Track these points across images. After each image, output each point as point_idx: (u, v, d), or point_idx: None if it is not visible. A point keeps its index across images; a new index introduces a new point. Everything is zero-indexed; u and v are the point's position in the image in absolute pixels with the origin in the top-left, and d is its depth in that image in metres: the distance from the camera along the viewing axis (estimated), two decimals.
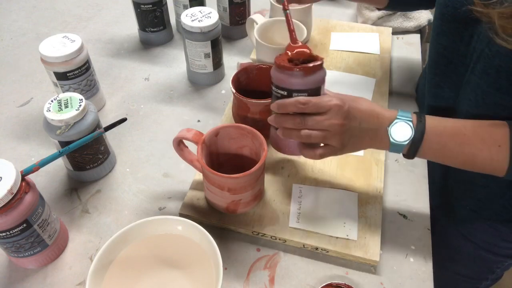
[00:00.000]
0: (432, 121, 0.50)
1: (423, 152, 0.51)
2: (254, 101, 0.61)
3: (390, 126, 0.50)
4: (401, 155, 0.53)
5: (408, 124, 0.50)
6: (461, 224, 0.69)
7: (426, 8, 0.78)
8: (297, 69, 0.49)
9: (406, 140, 0.50)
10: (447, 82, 0.60)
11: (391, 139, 0.50)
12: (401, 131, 0.50)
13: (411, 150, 0.51)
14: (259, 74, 0.67)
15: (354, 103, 0.51)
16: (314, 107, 0.49)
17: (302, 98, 0.49)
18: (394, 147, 0.51)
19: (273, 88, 0.53)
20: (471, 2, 0.48)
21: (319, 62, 0.50)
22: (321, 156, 0.52)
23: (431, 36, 0.63)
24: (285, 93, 0.51)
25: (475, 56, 0.53)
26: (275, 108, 0.51)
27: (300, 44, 0.52)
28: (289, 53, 0.51)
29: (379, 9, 0.79)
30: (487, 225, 0.65)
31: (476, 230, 0.68)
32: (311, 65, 0.50)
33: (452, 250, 0.73)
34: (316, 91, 0.52)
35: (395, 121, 0.50)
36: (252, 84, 0.68)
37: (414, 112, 0.52)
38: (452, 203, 0.68)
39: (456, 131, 0.50)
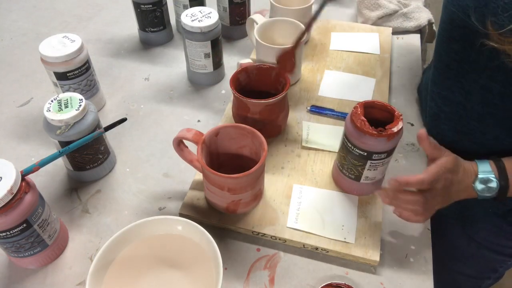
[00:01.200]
0: (508, 165, 0.53)
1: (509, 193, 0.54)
2: (254, 101, 0.61)
3: (474, 183, 0.54)
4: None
5: (491, 178, 0.53)
6: (464, 223, 0.69)
7: None
8: (382, 136, 0.52)
9: (493, 194, 0.53)
10: (458, 86, 0.59)
11: (479, 194, 0.54)
12: (486, 185, 0.53)
13: (500, 196, 0.54)
14: (259, 74, 0.67)
15: (451, 175, 0.53)
16: (427, 182, 0.52)
17: (422, 178, 0.51)
18: (482, 198, 0.55)
19: (350, 145, 0.55)
20: (481, 13, 0.48)
21: (401, 125, 0.53)
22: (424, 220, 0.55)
23: (439, 39, 0.62)
24: (365, 154, 0.54)
25: (488, 62, 0.52)
26: (396, 185, 0.52)
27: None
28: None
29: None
30: (491, 225, 0.65)
31: (480, 229, 0.68)
32: (395, 130, 0.52)
33: (454, 250, 0.73)
34: (393, 149, 0.55)
35: (478, 177, 0.54)
36: (252, 84, 0.68)
37: (491, 159, 0.54)
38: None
39: None
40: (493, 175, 0.53)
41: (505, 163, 0.54)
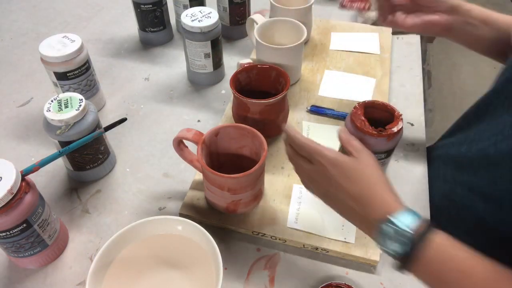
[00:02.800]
0: (439, 244, 0.39)
1: (416, 274, 0.40)
2: (254, 101, 0.61)
3: (379, 226, 0.40)
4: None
5: (400, 239, 0.39)
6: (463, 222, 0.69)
7: None
8: (382, 136, 0.52)
9: (393, 252, 0.40)
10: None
11: (378, 239, 0.41)
12: (390, 240, 0.40)
13: (401, 265, 0.41)
14: (259, 74, 0.67)
15: (343, 180, 0.44)
16: (305, 152, 0.47)
17: (298, 140, 0.47)
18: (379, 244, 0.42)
19: None
20: None
21: (401, 125, 0.52)
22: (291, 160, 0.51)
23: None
24: None
25: None
26: (287, 136, 0.49)
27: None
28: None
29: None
30: None
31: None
32: (395, 130, 0.52)
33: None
34: (393, 149, 0.55)
35: (386, 224, 0.40)
36: (252, 84, 0.68)
37: (422, 220, 0.40)
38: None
39: (464, 269, 0.39)
40: (410, 234, 0.39)
41: (435, 239, 0.39)
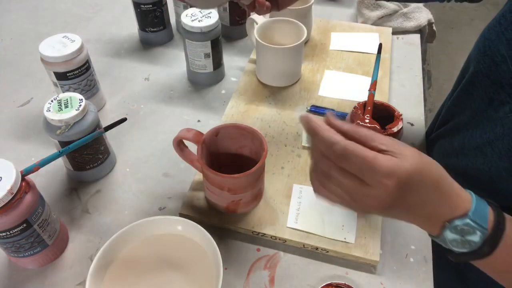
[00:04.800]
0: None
1: (478, 264, 0.39)
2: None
3: (448, 225, 0.36)
4: None
5: (478, 231, 0.36)
6: None
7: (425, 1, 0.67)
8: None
9: (464, 250, 0.37)
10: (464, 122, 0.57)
11: (442, 237, 0.37)
12: (463, 236, 0.36)
13: (464, 258, 0.38)
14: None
15: (405, 194, 0.35)
16: (356, 168, 0.34)
17: (342, 144, 0.33)
18: (443, 244, 0.38)
19: None
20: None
21: (401, 125, 0.52)
22: (333, 203, 0.40)
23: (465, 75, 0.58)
24: None
25: (502, 127, 0.47)
26: (306, 125, 0.36)
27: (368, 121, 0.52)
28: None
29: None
30: None
31: None
32: (395, 130, 0.52)
33: None
34: None
35: (459, 220, 0.36)
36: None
37: (491, 203, 0.37)
38: None
39: None
40: (482, 231, 0.35)
41: (507, 226, 0.36)
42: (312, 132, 0.35)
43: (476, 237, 0.36)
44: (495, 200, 0.40)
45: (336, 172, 0.35)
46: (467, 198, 0.37)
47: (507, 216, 0.38)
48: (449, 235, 0.36)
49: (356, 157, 0.33)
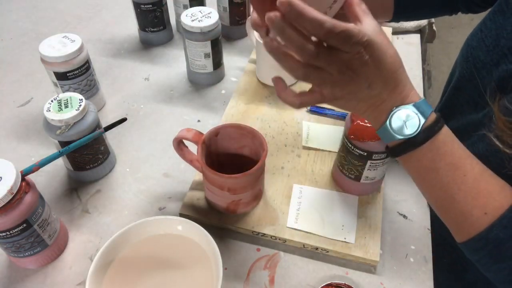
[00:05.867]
0: (445, 136, 0.42)
1: (408, 159, 0.43)
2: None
3: (395, 110, 0.41)
4: None
5: (418, 117, 0.40)
6: None
7: (433, 16, 0.69)
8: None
9: (402, 136, 0.41)
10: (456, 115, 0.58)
11: (387, 123, 0.41)
12: (404, 121, 0.41)
13: (399, 149, 0.43)
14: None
15: (378, 52, 0.38)
16: (340, 39, 0.36)
17: (332, 24, 0.35)
18: (383, 133, 0.42)
19: (350, 145, 0.55)
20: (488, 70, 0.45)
21: None
22: (301, 106, 0.44)
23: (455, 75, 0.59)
24: (365, 154, 0.54)
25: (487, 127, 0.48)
26: (285, 6, 0.34)
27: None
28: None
29: (387, 22, 0.68)
30: None
31: None
32: None
33: (455, 249, 0.73)
34: None
35: (405, 107, 0.41)
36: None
37: (436, 112, 0.42)
38: None
39: (459, 165, 0.42)
40: (422, 119, 0.40)
41: (442, 131, 0.41)
42: (298, 14, 0.35)
43: (415, 123, 0.40)
44: None
45: (324, 50, 0.37)
46: (416, 95, 0.42)
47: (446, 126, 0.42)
48: (394, 121, 0.41)
49: (343, 31, 0.35)
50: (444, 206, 0.44)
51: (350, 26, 0.36)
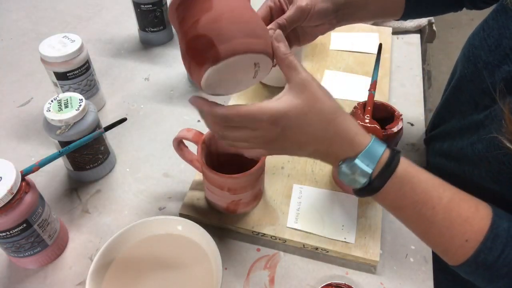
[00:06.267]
0: (403, 175, 0.40)
1: (375, 198, 0.43)
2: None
3: (341, 164, 0.41)
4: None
5: (366, 168, 0.40)
6: None
7: (440, 13, 0.68)
8: (382, 136, 0.52)
9: (356, 185, 0.41)
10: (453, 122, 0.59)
11: (339, 172, 0.41)
12: (352, 173, 0.40)
13: (361, 193, 0.42)
14: None
15: (296, 132, 0.40)
16: (239, 123, 0.39)
17: (221, 114, 0.39)
18: (341, 178, 0.42)
19: None
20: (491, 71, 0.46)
21: (401, 125, 0.53)
22: (261, 155, 0.45)
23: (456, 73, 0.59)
24: None
25: (486, 128, 0.49)
26: (195, 106, 0.41)
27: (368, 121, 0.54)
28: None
29: (396, 20, 0.69)
30: None
31: None
32: (395, 130, 0.52)
33: None
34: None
35: (349, 161, 0.40)
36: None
37: (389, 148, 0.41)
38: None
39: (425, 200, 0.41)
40: (370, 168, 0.39)
41: (400, 165, 0.40)
42: (200, 112, 0.42)
43: (365, 173, 0.39)
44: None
45: (229, 132, 0.41)
46: (362, 141, 0.40)
47: (405, 160, 0.41)
48: (344, 169, 0.40)
49: (236, 115, 0.39)
50: (424, 238, 0.44)
51: (249, 109, 0.38)
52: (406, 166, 0.41)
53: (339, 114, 0.40)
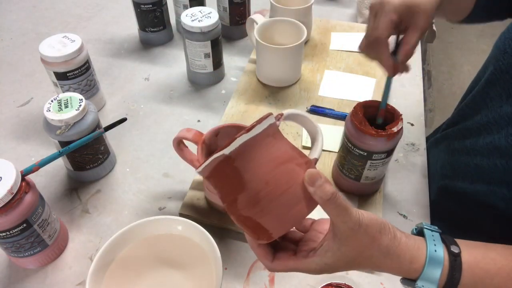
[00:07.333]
0: (469, 274, 0.38)
1: None
2: None
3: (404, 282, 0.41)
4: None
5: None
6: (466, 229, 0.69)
7: (500, 19, 0.66)
8: (382, 136, 0.52)
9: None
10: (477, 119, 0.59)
11: None
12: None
13: None
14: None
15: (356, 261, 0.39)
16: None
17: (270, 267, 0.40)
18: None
19: (350, 145, 0.55)
20: None
21: (401, 125, 0.52)
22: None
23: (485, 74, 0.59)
24: (365, 154, 0.54)
25: None
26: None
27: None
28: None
29: (459, 22, 0.67)
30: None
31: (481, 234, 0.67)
32: (395, 130, 0.52)
33: None
34: (393, 149, 0.55)
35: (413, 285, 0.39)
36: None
37: (447, 258, 0.39)
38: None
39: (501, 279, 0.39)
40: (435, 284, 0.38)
41: (465, 258, 0.39)
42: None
43: None
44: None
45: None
46: (418, 265, 0.39)
47: (467, 266, 0.39)
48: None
49: (283, 270, 0.40)
50: None
51: (297, 267, 0.39)
52: (466, 266, 0.39)
53: (392, 245, 0.40)
